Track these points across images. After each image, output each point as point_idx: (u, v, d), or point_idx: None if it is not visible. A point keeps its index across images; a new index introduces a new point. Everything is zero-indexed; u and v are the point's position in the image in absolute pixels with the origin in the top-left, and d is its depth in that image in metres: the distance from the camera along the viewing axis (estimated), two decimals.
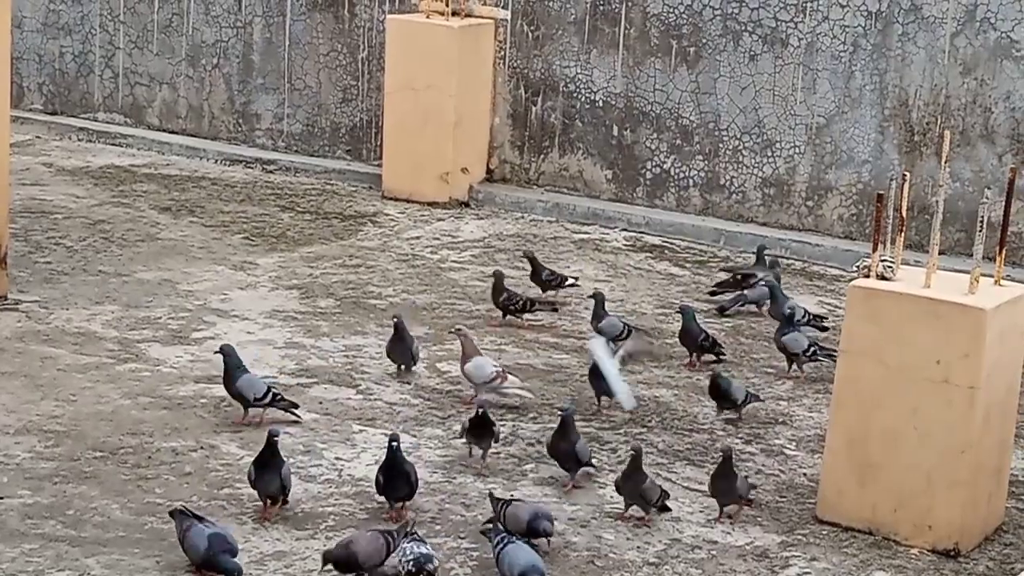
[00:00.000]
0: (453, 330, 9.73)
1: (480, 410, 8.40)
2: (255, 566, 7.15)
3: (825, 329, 10.81)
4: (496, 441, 8.54)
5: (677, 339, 10.39)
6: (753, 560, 7.64)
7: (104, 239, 12.55)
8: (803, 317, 10.60)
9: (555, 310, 11.18)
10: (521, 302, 10.92)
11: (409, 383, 9.75)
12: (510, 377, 9.41)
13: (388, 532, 7.16)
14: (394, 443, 7.83)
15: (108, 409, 8.99)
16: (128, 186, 14.35)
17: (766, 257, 12.07)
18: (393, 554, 7.02)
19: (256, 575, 7.07)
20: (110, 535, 7.40)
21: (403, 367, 9.89)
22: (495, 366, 9.37)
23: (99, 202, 13.72)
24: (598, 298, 10.61)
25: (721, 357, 10.33)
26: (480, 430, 8.42)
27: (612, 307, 11.52)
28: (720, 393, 9.30)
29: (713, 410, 9.41)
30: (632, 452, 7.96)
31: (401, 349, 9.85)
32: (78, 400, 9.11)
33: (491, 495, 7.79)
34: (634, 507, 7.94)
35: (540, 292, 11.42)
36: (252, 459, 7.84)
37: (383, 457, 7.88)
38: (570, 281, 11.59)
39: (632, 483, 7.90)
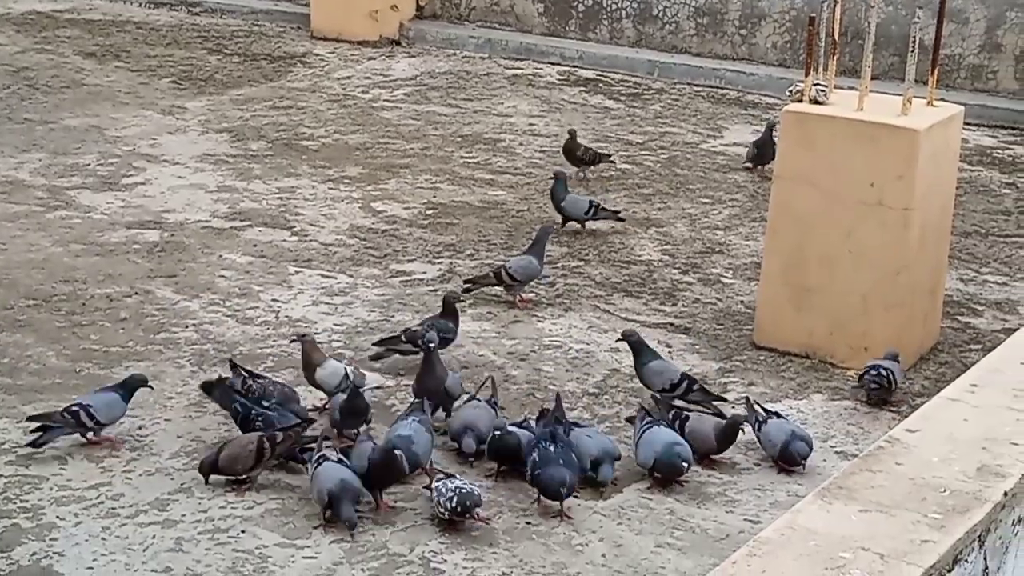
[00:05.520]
0: (296, 337, 7.48)
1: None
2: (195, 408, 7.12)
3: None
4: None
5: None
6: None
7: (28, 86, 12.32)
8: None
9: None
10: None
11: (345, 224, 9.68)
12: (368, 374, 7.49)
13: (271, 436, 6.47)
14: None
15: (40, 257, 8.89)
16: (51, 32, 14.06)
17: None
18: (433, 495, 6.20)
19: (196, 416, 7.05)
20: (47, 382, 7.35)
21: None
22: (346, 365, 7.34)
23: (22, 49, 13.44)
24: (557, 174, 9.69)
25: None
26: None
27: (547, 142, 11.50)
28: None
29: None
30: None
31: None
32: (8, 249, 8.99)
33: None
34: None
35: None
36: (187, 303, 7.71)
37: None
38: None
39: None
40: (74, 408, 6.69)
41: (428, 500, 6.30)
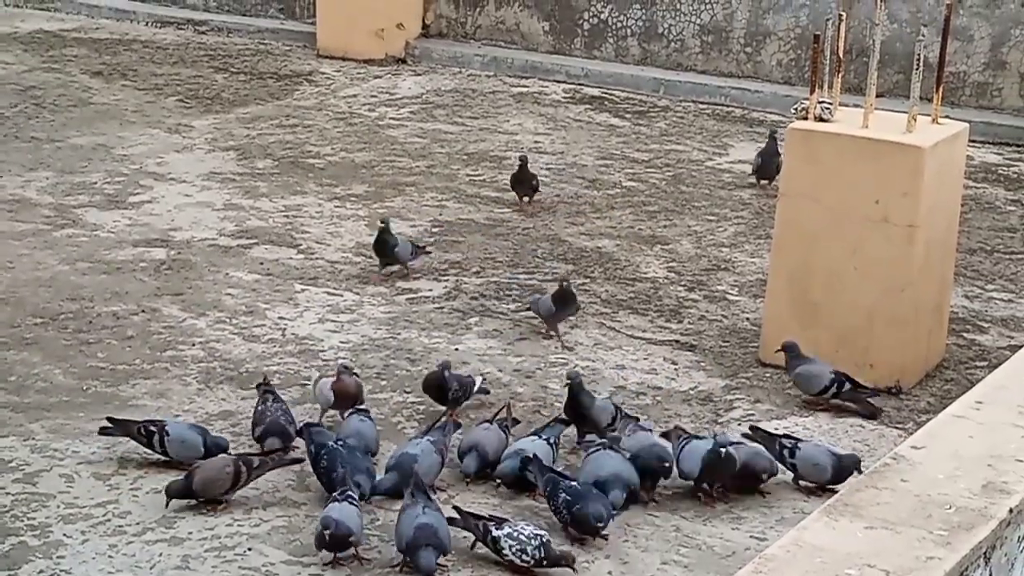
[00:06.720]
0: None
1: (564, 283, 8.33)
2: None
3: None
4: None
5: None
6: (698, 404, 7.69)
7: (36, 105, 12.35)
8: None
9: None
10: None
11: (351, 242, 9.70)
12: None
13: (246, 459, 6.52)
14: None
15: (47, 275, 8.91)
16: (58, 51, 14.10)
17: None
18: (501, 540, 6.05)
19: None
20: (53, 400, 7.36)
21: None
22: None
23: (29, 68, 13.48)
24: (387, 223, 9.07)
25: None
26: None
27: (552, 160, 11.52)
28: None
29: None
30: None
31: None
32: (16, 267, 9.01)
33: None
34: None
35: None
36: (194, 320, 7.75)
37: None
38: None
39: None
40: (152, 428, 6.73)
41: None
